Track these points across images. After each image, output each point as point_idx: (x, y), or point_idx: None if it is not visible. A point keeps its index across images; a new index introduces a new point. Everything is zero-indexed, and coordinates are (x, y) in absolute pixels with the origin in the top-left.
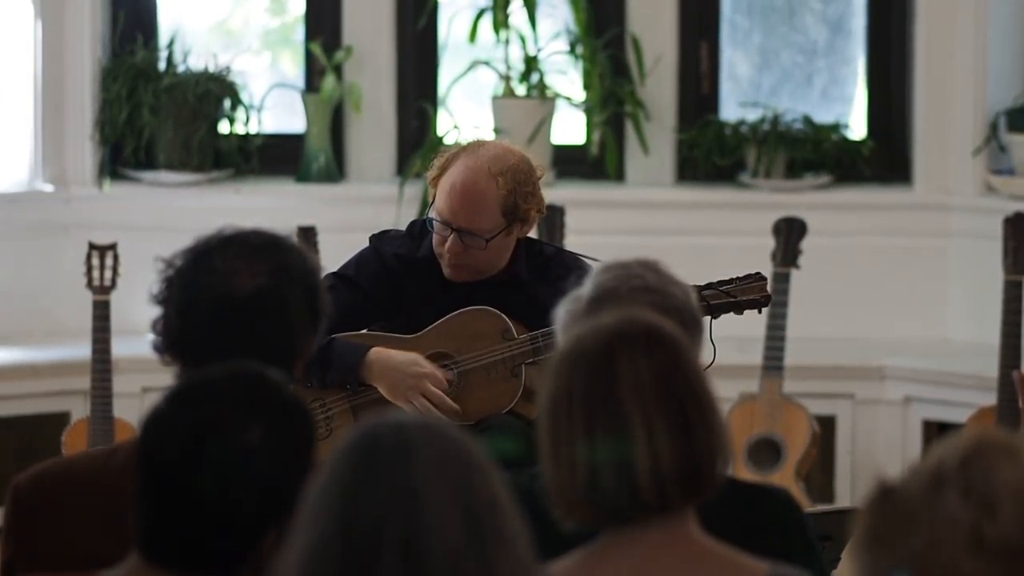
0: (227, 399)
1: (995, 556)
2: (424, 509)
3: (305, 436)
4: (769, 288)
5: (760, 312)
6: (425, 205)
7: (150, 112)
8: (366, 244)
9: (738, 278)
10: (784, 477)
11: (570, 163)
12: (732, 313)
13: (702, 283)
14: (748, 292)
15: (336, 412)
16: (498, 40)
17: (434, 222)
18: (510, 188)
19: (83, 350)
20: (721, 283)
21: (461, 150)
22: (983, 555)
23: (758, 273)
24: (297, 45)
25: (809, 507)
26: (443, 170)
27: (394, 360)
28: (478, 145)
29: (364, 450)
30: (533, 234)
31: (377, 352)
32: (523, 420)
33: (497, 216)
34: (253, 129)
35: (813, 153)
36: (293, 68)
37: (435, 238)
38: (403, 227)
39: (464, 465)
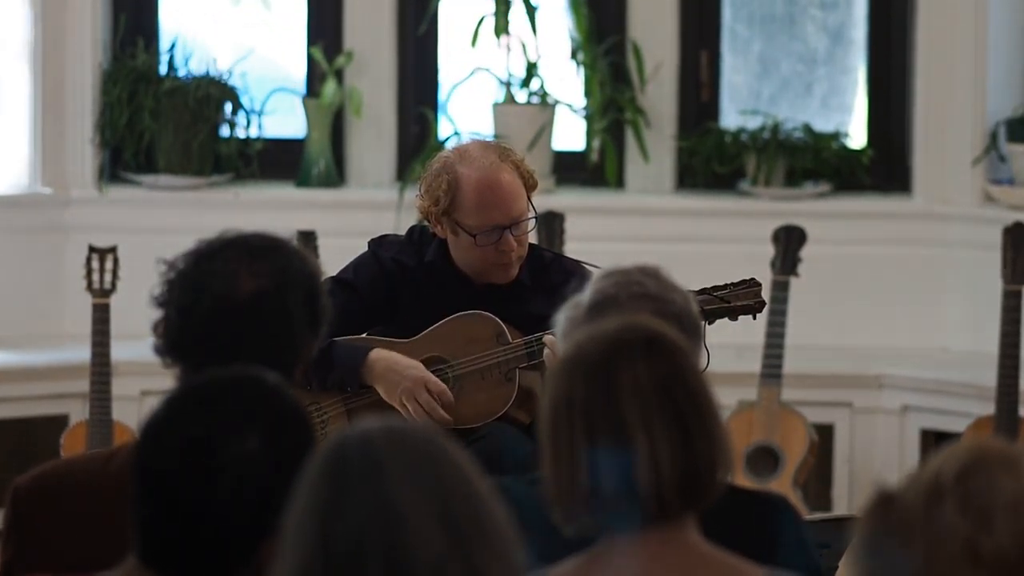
0: (224, 407)
1: (991, 570)
2: (401, 519)
3: (303, 442)
4: (764, 294)
5: (755, 318)
6: None
7: (150, 116)
8: (365, 249)
9: (733, 284)
10: (782, 485)
11: (570, 170)
12: (727, 319)
13: (696, 288)
14: (742, 298)
15: (331, 416)
16: (499, 46)
17: (481, 236)
18: (516, 163)
19: (82, 353)
20: (715, 288)
21: (453, 166)
22: (979, 568)
23: (752, 279)
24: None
25: (807, 515)
26: (452, 195)
27: (395, 362)
28: (461, 152)
29: (333, 468)
30: (533, 239)
31: (379, 353)
32: (516, 426)
33: (526, 194)
34: (253, 133)
35: (813, 162)
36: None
37: (490, 251)
38: (403, 232)
39: (435, 466)
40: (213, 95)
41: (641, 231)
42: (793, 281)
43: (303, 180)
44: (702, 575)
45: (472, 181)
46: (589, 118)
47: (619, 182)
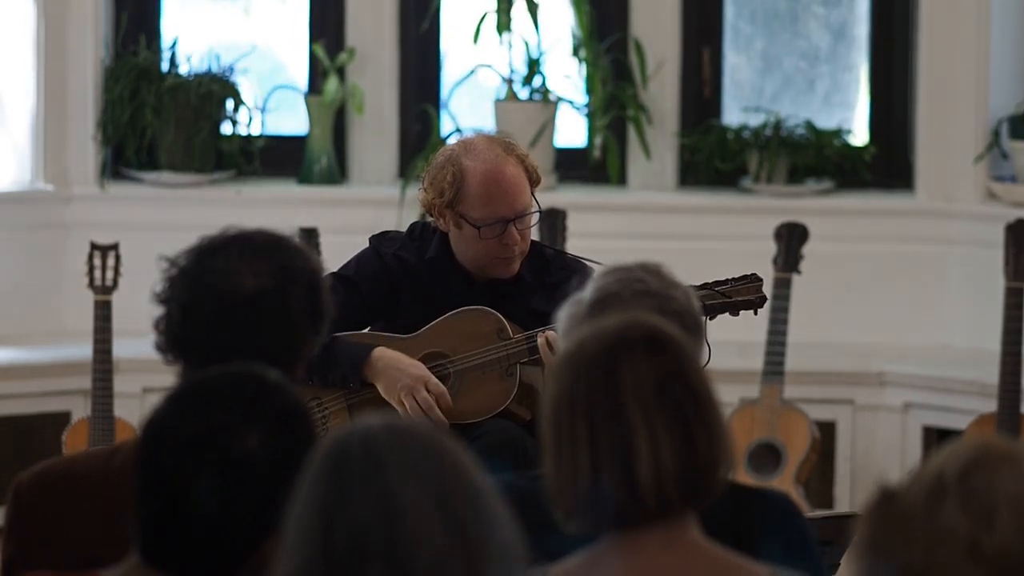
0: (225, 405)
1: (993, 567)
2: (402, 516)
3: (304, 439)
4: (765, 291)
5: (756, 313)
6: None
7: (152, 113)
8: (367, 245)
9: (734, 279)
10: (784, 482)
11: (572, 167)
12: (727, 314)
13: (698, 283)
14: (743, 293)
15: (332, 411)
16: (501, 43)
17: (485, 229)
18: (520, 156)
19: (84, 350)
20: (716, 283)
21: (458, 158)
22: (981, 566)
23: (754, 274)
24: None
25: (809, 512)
26: (457, 187)
27: (397, 360)
28: (466, 144)
29: (334, 465)
30: (534, 236)
31: (382, 351)
32: (517, 421)
33: (530, 188)
34: (255, 131)
35: (815, 159)
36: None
37: (493, 244)
38: (404, 229)
39: (436, 463)
40: (215, 92)
41: (643, 228)
42: (795, 278)
43: (305, 177)
44: (704, 573)
45: (478, 173)
46: (591, 115)
47: (621, 179)
